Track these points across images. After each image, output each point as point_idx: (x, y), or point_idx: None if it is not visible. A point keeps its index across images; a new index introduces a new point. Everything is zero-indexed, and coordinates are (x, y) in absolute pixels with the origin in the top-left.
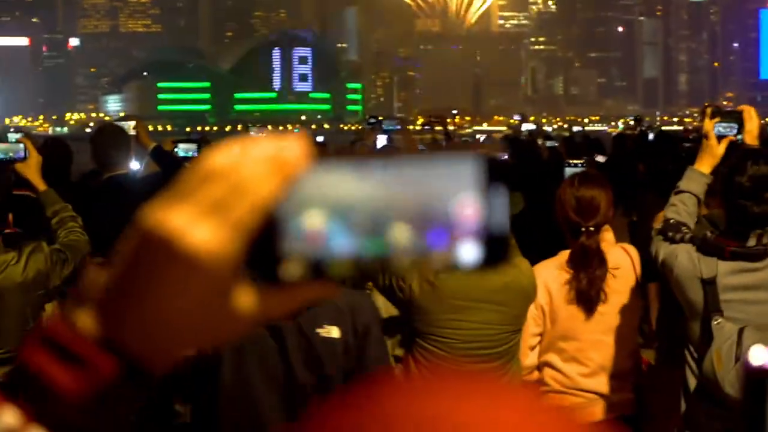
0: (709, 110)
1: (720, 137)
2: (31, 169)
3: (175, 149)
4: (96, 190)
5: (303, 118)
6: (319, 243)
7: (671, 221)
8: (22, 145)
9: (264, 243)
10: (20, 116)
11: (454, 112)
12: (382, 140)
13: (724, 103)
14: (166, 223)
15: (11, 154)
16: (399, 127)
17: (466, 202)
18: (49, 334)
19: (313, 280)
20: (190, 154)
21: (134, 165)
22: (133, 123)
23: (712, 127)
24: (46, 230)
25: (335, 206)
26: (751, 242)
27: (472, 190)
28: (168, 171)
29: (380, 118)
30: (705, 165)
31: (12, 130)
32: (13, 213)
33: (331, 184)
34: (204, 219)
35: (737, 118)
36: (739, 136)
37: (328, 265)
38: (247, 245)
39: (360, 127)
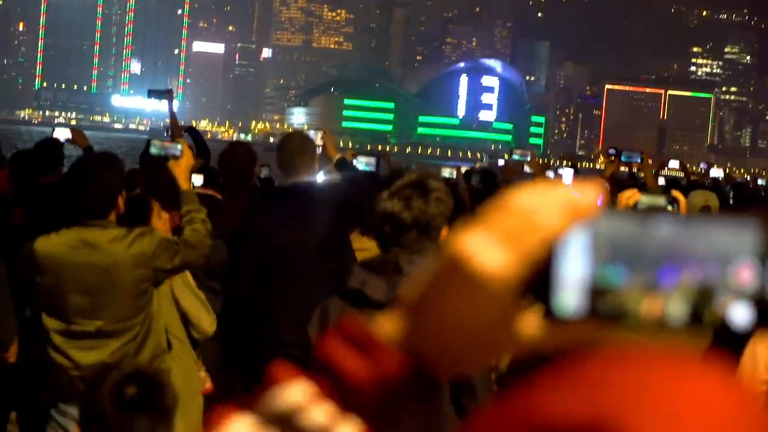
0: None
1: None
2: (180, 168)
3: (355, 161)
4: (277, 195)
5: (492, 147)
6: (595, 281)
7: None
8: (179, 146)
9: (546, 276)
10: (207, 120)
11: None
12: (568, 174)
13: None
14: (463, 244)
15: (165, 152)
16: (639, 159)
17: (743, 264)
18: (348, 331)
19: (587, 319)
20: (369, 168)
21: (319, 175)
22: (321, 133)
23: None
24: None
25: (614, 248)
26: None
27: (750, 254)
28: (350, 182)
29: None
30: None
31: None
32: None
33: (615, 228)
34: (496, 245)
35: None
36: None
37: (601, 305)
38: (535, 276)
39: (541, 161)
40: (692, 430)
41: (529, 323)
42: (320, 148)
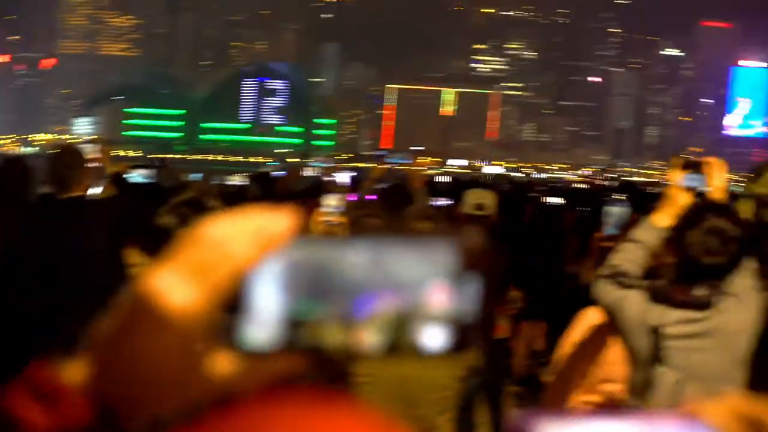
0: (678, 161)
1: (687, 190)
2: None
3: (132, 174)
4: (52, 211)
5: (283, 151)
6: (289, 314)
7: (617, 267)
8: None
9: (236, 310)
10: None
11: (421, 148)
12: (345, 177)
13: (692, 157)
14: (150, 281)
15: None
16: (407, 160)
17: (437, 286)
18: (31, 379)
19: (283, 352)
20: (147, 179)
21: (94, 189)
22: (96, 146)
23: (679, 178)
24: None
25: (308, 280)
26: (699, 292)
27: (444, 276)
28: (126, 195)
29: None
30: (663, 216)
31: None
32: None
33: (309, 258)
34: (185, 280)
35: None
36: (706, 189)
37: (297, 338)
38: (225, 310)
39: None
40: None
41: (222, 360)
42: (97, 161)
